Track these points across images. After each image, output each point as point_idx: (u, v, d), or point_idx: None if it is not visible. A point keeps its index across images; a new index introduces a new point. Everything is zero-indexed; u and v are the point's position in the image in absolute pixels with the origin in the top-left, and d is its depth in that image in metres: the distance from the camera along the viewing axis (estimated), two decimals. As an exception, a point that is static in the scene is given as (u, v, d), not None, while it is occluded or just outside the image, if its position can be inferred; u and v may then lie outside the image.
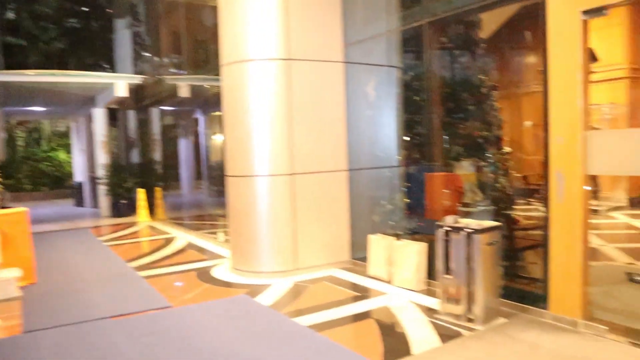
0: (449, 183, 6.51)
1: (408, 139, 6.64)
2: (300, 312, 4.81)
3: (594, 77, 11.02)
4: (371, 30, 6.46)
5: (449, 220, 4.36)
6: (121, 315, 4.86)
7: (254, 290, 5.56)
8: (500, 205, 6.33)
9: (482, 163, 6.74)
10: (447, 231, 4.30)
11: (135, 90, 12.75)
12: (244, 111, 6.01)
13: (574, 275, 4.02)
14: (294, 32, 6.00)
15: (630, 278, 5.25)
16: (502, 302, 4.52)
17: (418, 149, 6.60)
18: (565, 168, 3.95)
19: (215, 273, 6.45)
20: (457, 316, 4.32)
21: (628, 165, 3.76)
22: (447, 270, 4.35)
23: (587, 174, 3.88)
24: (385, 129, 6.66)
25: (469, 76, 6.66)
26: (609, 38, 10.70)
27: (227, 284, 5.93)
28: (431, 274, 5.19)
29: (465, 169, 6.82)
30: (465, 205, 6.46)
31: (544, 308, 4.26)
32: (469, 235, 4.14)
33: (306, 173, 6.12)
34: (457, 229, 4.22)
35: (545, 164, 4.13)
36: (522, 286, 4.80)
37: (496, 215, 6.00)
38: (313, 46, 6.18)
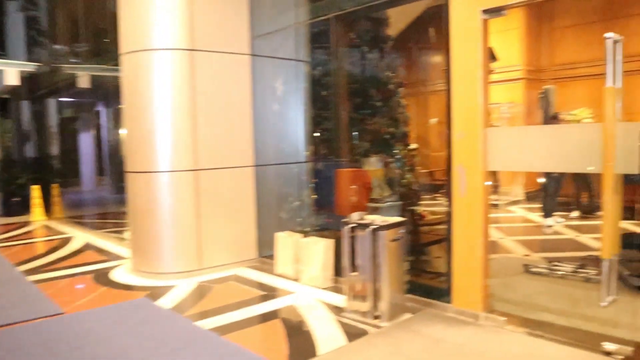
0: (357, 179, 6.50)
1: (316, 134, 6.57)
2: (204, 315, 4.60)
3: (493, 77, 11.53)
4: (279, 22, 6.32)
5: (355, 216, 4.31)
6: (4, 325, 4.43)
7: (155, 293, 5.27)
8: (407, 200, 6.41)
9: (390, 159, 6.80)
10: (352, 228, 4.25)
11: (29, 79, 11.85)
12: (144, 103, 5.68)
13: (475, 269, 4.10)
14: (197, 21, 5.74)
15: (527, 269, 5.48)
16: (408, 297, 4.55)
17: (326, 145, 6.55)
18: (467, 164, 4.02)
19: (115, 275, 6.07)
20: (363, 313, 4.29)
21: (523, 161, 3.88)
22: (353, 268, 4.31)
23: (488, 169, 3.96)
24: (293, 124, 6.55)
25: (376, 73, 6.69)
26: (507, 41, 11.20)
27: (127, 287, 5.60)
28: (339, 271, 5.15)
29: (373, 164, 6.85)
30: (374, 200, 6.49)
31: (448, 302, 4.33)
32: (374, 231, 4.11)
33: (211, 169, 5.89)
34: (363, 226, 4.18)
35: (448, 159, 4.18)
36: (427, 281, 4.86)
37: (403, 211, 6.07)
38: (218, 37, 5.95)
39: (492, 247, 6.78)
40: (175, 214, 5.73)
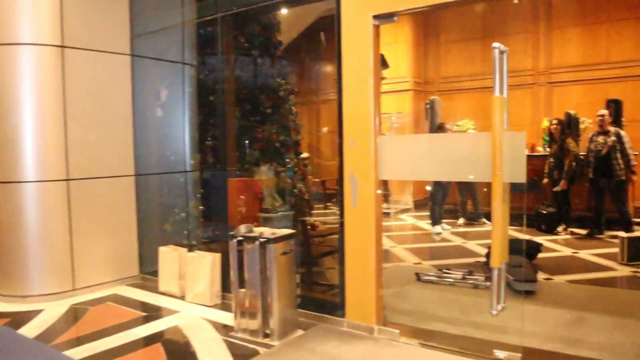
0: (247, 188, 6.26)
1: (204, 142, 6.22)
2: (75, 342, 4.10)
3: (383, 88, 11.78)
4: (162, 21, 5.91)
5: (242, 229, 4.04)
6: None
7: (19, 319, 4.66)
8: (299, 210, 6.24)
9: (281, 168, 6.61)
10: (240, 241, 3.98)
11: None
12: (6, 104, 5.04)
13: (368, 281, 3.98)
14: (68, 14, 5.19)
15: (418, 277, 5.48)
16: (301, 313, 4.34)
17: (214, 153, 6.22)
18: (359, 173, 3.90)
19: (-30, 300, 5.34)
20: (253, 332, 4.02)
21: (413, 170, 3.82)
22: (242, 283, 4.03)
23: (379, 178, 3.86)
24: (178, 131, 6.15)
25: (267, 79, 6.47)
26: (396, 53, 11.45)
27: (-17, 314, 4.92)
28: (227, 287, 4.84)
29: (264, 173, 6.62)
30: (265, 211, 6.27)
31: (342, 316, 4.17)
32: (262, 244, 3.86)
33: (85, 178, 5.34)
34: (251, 239, 3.92)
35: (339, 168, 4.04)
36: (320, 295, 4.69)
37: (295, 221, 5.88)
38: (93, 34, 5.43)
39: (385, 256, 6.79)
40: (43, 230, 5.12)
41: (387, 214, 10.26)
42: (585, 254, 6.65)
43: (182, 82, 6.18)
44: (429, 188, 8.62)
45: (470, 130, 9.68)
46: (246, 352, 3.80)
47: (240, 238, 3.99)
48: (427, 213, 8.93)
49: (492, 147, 3.16)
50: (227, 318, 4.47)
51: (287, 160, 6.61)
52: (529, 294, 4.86)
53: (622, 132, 7.49)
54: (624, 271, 5.80)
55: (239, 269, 4.04)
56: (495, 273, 3.24)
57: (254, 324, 4.00)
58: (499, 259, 3.22)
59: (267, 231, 3.99)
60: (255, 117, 6.31)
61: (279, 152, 6.57)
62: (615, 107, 8.13)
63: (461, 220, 9.06)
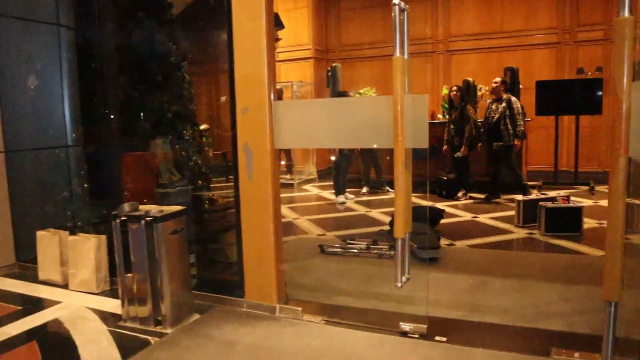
0: (140, 163, 5.80)
1: (88, 113, 5.64)
2: None
3: (284, 56, 11.44)
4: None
5: (126, 208, 3.63)
6: None
7: None
8: (198, 185, 5.87)
9: (179, 140, 6.17)
10: (123, 221, 3.57)
11: None
12: None
13: (267, 258, 3.72)
14: None
15: (322, 250, 5.32)
16: (198, 295, 4.03)
17: (100, 125, 5.66)
18: (253, 142, 3.59)
19: None
20: (143, 320, 3.66)
21: (313, 137, 3.57)
22: (128, 267, 3.64)
23: (276, 147, 3.58)
24: (56, 102, 5.51)
25: (156, 44, 5.94)
26: (296, 20, 11.13)
27: None
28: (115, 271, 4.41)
29: (159, 147, 6.16)
30: (162, 186, 5.84)
31: (241, 296, 3.90)
32: (148, 224, 3.49)
33: (-59, 157, 4.66)
34: (135, 218, 3.53)
35: (233, 139, 3.72)
36: (218, 275, 4.38)
37: (193, 196, 5.52)
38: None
39: (287, 229, 6.57)
40: None
41: (290, 185, 10.06)
42: (484, 218, 6.79)
43: (58, 47, 5.52)
44: (333, 158, 8.47)
45: (373, 99, 9.62)
46: (135, 343, 3.44)
47: (123, 218, 3.58)
48: (331, 183, 8.81)
49: (392, 111, 2.96)
50: (116, 306, 4.06)
51: (184, 132, 6.18)
52: (432, 261, 4.83)
53: (513, 99, 7.68)
54: (520, 233, 5.96)
55: (125, 252, 3.64)
56: (398, 244, 3.09)
57: (144, 310, 3.64)
58: (403, 229, 3.07)
59: (154, 209, 3.60)
60: (144, 85, 5.79)
61: (173, 124, 6.11)
62: (511, 74, 8.32)
63: (365, 189, 9.03)
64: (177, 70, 6.18)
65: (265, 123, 3.53)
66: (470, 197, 8.30)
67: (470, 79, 8.90)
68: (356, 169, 9.28)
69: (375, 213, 7.35)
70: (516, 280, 4.28)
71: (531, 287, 4.13)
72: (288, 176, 10.46)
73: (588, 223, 6.10)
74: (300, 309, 3.71)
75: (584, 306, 3.69)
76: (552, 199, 6.05)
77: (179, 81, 6.19)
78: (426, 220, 5.65)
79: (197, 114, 6.65)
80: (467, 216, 6.98)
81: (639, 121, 1.99)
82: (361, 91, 9.99)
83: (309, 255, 5.25)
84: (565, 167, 9.56)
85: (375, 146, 3.43)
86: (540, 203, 5.88)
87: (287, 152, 10.43)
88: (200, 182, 6.11)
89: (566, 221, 5.74)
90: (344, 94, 8.01)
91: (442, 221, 6.38)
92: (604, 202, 7.66)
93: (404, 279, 3.20)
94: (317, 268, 4.90)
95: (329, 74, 8.58)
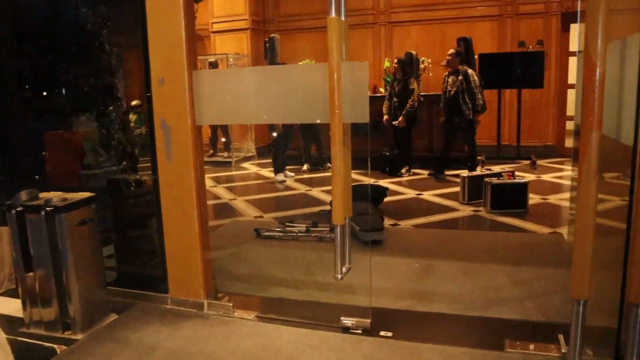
0: (62, 143, 5.24)
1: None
2: None
3: (219, 27, 10.82)
4: None
5: (23, 196, 3.11)
6: None
7: None
8: (124, 165, 5.34)
9: (105, 117, 5.59)
10: (20, 212, 3.05)
11: None
12: None
13: (192, 247, 3.30)
14: None
15: (258, 234, 4.93)
16: (116, 292, 3.57)
17: (8, 100, 5.03)
18: (172, 118, 3.13)
19: None
20: (49, 324, 3.18)
21: (240, 112, 3.13)
22: (29, 264, 3.14)
23: (198, 124, 3.13)
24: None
25: (68, 8, 5.31)
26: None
27: None
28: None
29: (84, 124, 5.60)
30: (87, 167, 5.31)
31: (165, 292, 3.47)
32: (49, 214, 2.99)
33: None
34: (34, 208, 3.02)
35: (149, 114, 3.24)
36: (141, 267, 3.91)
37: (114, 179, 4.99)
38: None
39: (222, 211, 6.13)
40: None
41: (228, 164, 9.57)
42: (429, 195, 6.56)
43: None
44: (275, 134, 8.03)
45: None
46: (39, 353, 2.97)
47: (19, 208, 3.06)
48: (271, 160, 8.39)
49: (328, 80, 2.58)
50: (19, 309, 3.55)
51: (112, 108, 5.61)
52: (376, 243, 4.53)
53: (470, 72, 7.42)
54: (466, 211, 5.75)
55: (23, 247, 3.13)
56: (338, 231, 2.73)
57: (50, 313, 3.16)
58: (342, 214, 2.71)
59: (56, 197, 3.10)
60: (54, 55, 5.17)
61: (94, 99, 5.53)
62: (465, 45, 8.05)
63: (305, 167, 8.66)
64: (95, 39, 5.57)
65: (185, 96, 3.07)
66: (414, 174, 8.07)
67: (413, 52, 8.59)
68: (297, 145, 8.89)
69: (316, 192, 7.00)
70: (464, 263, 4.03)
71: (480, 269, 3.89)
72: (225, 154, 9.95)
73: (532, 199, 5.96)
74: (231, 304, 3.32)
75: (535, 290, 3.47)
76: (498, 175, 5.86)
77: (97, 52, 5.59)
78: (368, 200, 5.35)
79: (125, 88, 6.07)
80: (411, 193, 6.73)
81: (612, 90, 1.70)
82: (300, 63, 9.53)
83: (244, 240, 4.85)
84: (507, 142, 9.47)
85: (310, 121, 3.05)
86: (486, 179, 5.67)
87: (225, 128, 9.90)
88: (124, 162, 5.58)
89: (512, 198, 5.56)
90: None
91: (386, 199, 6.10)
92: (546, 177, 7.59)
93: (344, 269, 2.86)
94: (252, 255, 4.51)
95: (267, 45, 8.08)
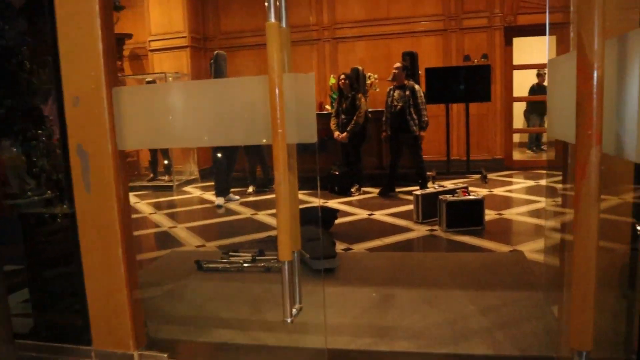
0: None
1: None
2: None
3: (157, 44, 10.34)
4: None
5: None
6: None
7: None
8: (49, 195, 4.80)
9: (28, 142, 5.04)
10: None
11: None
12: None
13: (118, 291, 2.84)
14: None
15: (199, 266, 4.49)
16: (29, 345, 3.06)
17: None
18: (90, 143, 2.69)
19: None
20: (-57, 392, 2.66)
21: (165, 134, 2.70)
22: None
23: (121, 149, 2.70)
24: None
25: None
26: (169, 5, 10.11)
27: None
28: None
29: (7, 150, 5.02)
30: (12, 197, 4.73)
31: (88, 344, 2.99)
32: None
33: None
34: None
35: (62, 138, 2.80)
36: (60, 315, 3.41)
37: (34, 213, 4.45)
38: None
39: (160, 241, 5.65)
40: None
41: (169, 188, 9.05)
42: (381, 215, 6.27)
43: None
44: (219, 155, 7.59)
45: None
46: None
47: None
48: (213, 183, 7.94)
49: (269, 95, 2.22)
50: None
51: (31, 132, 5.07)
52: (329, 272, 4.18)
53: (417, 87, 7.25)
54: (421, 230, 5.48)
55: None
56: (285, 269, 2.35)
57: (-56, 379, 2.64)
58: (289, 248, 2.34)
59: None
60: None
61: (13, 122, 4.99)
62: (410, 59, 7.89)
63: (250, 188, 8.25)
64: (12, 56, 5.04)
65: (104, 117, 2.64)
66: (364, 192, 7.79)
67: (360, 67, 8.39)
68: (242, 165, 8.47)
69: (263, 215, 6.60)
70: (426, 290, 3.72)
71: (443, 297, 3.59)
72: (166, 177, 9.41)
73: (488, 214, 5.75)
74: (166, 355, 2.87)
75: (504, 318, 3.19)
76: (452, 192, 5.63)
77: (16, 70, 5.06)
78: (319, 224, 5.01)
79: (51, 109, 5.52)
80: (362, 214, 6.43)
81: (612, 98, 1.41)
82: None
83: (183, 274, 4.39)
84: (457, 156, 9.37)
85: (253, 143, 2.68)
86: (440, 197, 5.43)
87: (165, 151, 9.38)
88: (49, 192, 5.04)
89: (468, 215, 5.33)
90: (222, 84, 7.17)
91: (337, 221, 5.77)
92: (498, 190, 7.46)
93: (294, 311, 2.48)
94: (192, 291, 4.06)
95: (212, 63, 7.66)
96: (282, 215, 2.28)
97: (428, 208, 5.69)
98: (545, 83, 9.81)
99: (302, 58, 10.23)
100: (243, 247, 4.97)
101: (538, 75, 11.87)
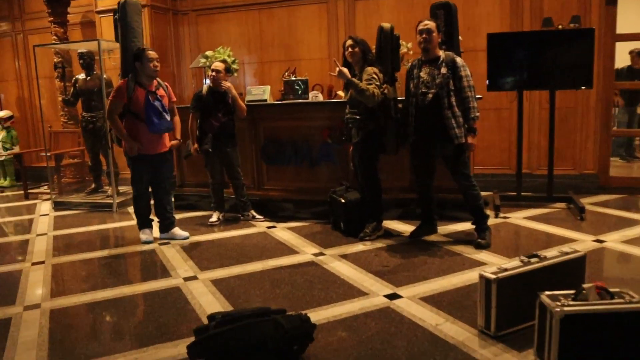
0: None
1: None
2: None
3: (105, 3, 7.48)
4: None
5: None
6: None
7: None
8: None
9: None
10: None
11: None
12: None
13: None
14: None
15: None
16: None
17: None
18: None
19: None
20: None
21: None
22: None
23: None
24: None
25: None
26: None
27: None
28: None
29: None
30: None
31: None
32: None
33: None
34: None
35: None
36: None
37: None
38: None
39: None
40: None
41: (108, 207, 6.21)
42: (412, 301, 3.30)
43: None
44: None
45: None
46: None
47: None
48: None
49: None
50: None
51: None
52: None
53: (459, 60, 4.23)
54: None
55: None
56: None
57: None
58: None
59: None
60: None
61: None
62: (446, 15, 4.82)
63: (215, 216, 5.34)
64: None
65: None
66: (386, 233, 4.83)
67: (386, 25, 5.11)
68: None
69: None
70: None
71: None
72: (109, 190, 6.59)
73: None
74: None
75: None
76: (578, 290, 2.62)
77: None
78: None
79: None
80: (375, 293, 3.48)
81: None
82: (208, 53, 6.26)
83: None
84: (527, 169, 6.29)
85: None
86: (547, 300, 2.42)
87: (105, 151, 6.53)
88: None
89: (609, 340, 2.33)
90: (141, 52, 4.30)
91: (322, 321, 2.85)
92: (611, 240, 4.38)
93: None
94: None
95: (116, 17, 4.82)
96: None
97: (511, 306, 2.72)
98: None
99: (305, 22, 7.30)
100: None
101: (632, 53, 8.59)
